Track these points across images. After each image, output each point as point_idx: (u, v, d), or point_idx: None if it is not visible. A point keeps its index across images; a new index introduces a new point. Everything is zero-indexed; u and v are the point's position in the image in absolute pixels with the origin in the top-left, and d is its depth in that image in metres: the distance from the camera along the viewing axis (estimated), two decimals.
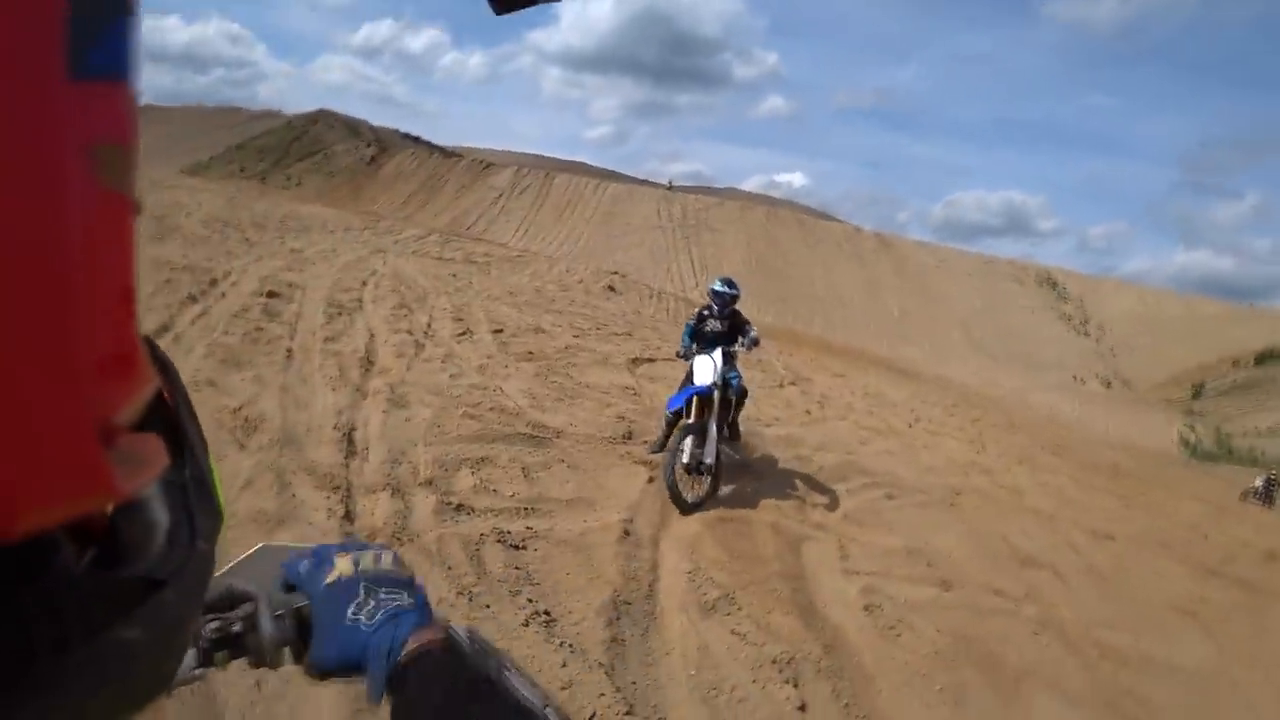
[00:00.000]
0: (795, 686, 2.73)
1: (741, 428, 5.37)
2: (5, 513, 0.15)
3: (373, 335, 6.55)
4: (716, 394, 4.61)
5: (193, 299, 6.29)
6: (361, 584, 0.57)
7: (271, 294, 7.14)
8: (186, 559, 0.23)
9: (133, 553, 0.21)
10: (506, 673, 0.51)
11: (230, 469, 3.40)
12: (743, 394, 5.07)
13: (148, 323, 5.34)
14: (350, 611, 0.56)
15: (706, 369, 4.71)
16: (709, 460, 4.41)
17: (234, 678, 2.04)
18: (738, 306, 5.32)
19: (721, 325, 5.22)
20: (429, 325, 7.56)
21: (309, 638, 0.57)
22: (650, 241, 49.61)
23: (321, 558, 0.60)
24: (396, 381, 5.20)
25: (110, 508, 0.21)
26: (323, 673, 0.55)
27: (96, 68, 0.17)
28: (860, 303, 49.45)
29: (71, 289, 0.16)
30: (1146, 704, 3.18)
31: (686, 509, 4.15)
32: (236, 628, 0.58)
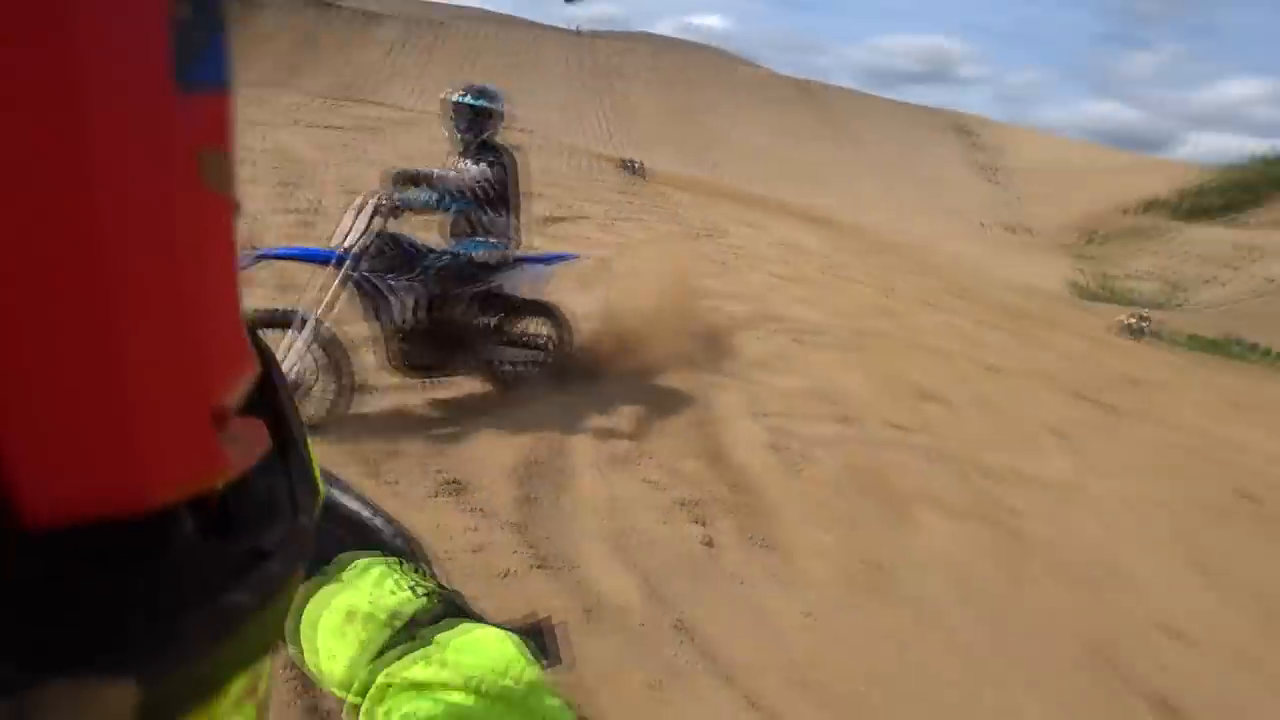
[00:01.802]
0: (703, 525, 2.88)
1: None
2: (142, 492, 0.18)
3: (255, 219, 6.03)
4: (346, 270, 3.01)
5: None
6: None
7: None
8: (289, 531, 0.24)
9: (240, 525, 0.23)
10: (334, 490, 0.52)
11: None
12: (455, 280, 3.28)
13: None
14: None
15: (347, 223, 3.10)
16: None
17: None
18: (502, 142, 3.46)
19: (468, 166, 3.36)
20: (319, 202, 7.03)
21: None
22: (559, 94, 46.76)
23: None
24: (283, 268, 4.83)
25: (221, 485, 0.22)
26: None
27: (199, 81, 0.18)
28: (778, 152, 48.85)
29: (186, 285, 0.18)
30: (1014, 512, 3.54)
31: None
32: None
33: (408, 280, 3.16)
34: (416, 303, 3.21)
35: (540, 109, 43.51)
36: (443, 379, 3.62)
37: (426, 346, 3.33)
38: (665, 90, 52.83)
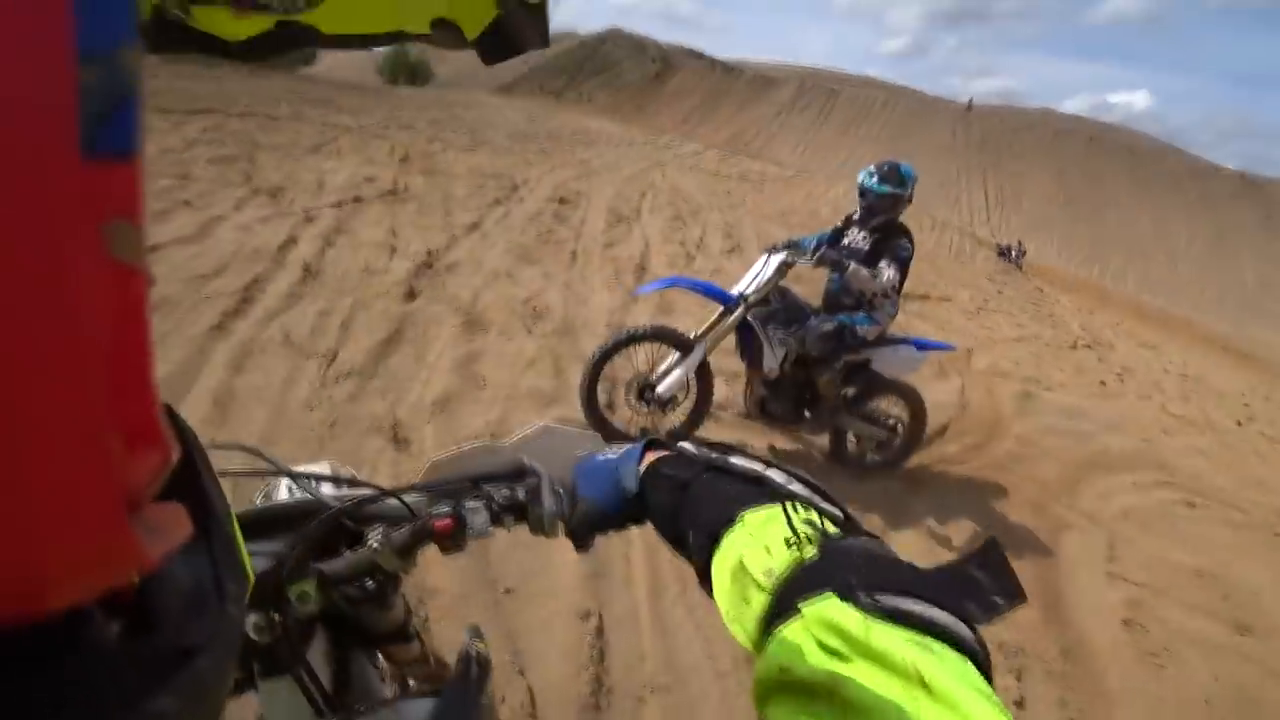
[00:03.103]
0: (1018, 679, 2.54)
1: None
2: (38, 590, 0.16)
3: (648, 244, 6.97)
4: (740, 313, 3.21)
5: (497, 202, 7.20)
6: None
7: (562, 201, 7.88)
8: (217, 625, 0.23)
9: (162, 620, 0.22)
10: (729, 457, 0.59)
11: (517, 349, 3.96)
12: (833, 346, 3.28)
13: (463, 220, 6.25)
14: (599, 456, 0.69)
15: (752, 272, 3.31)
16: (663, 390, 3.20)
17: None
18: (902, 218, 3.40)
19: (863, 240, 3.37)
20: (701, 239, 7.82)
21: (595, 529, 0.66)
22: (940, 167, 44.96)
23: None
24: (668, 291, 5.49)
25: (138, 577, 0.21)
26: (588, 519, 0.66)
27: (108, 147, 0.17)
28: (1199, 260, 40.17)
29: (91, 365, 0.17)
30: None
31: (606, 432, 2.86)
32: (522, 497, 0.68)
33: (785, 334, 3.29)
34: (787, 356, 3.33)
35: (919, 179, 42.41)
36: (787, 431, 3.81)
37: (784, 398, 3.47)
38: (1062, 175, 47.24)
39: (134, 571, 0.19)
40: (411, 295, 4.42)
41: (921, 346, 3.52)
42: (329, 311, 3.94)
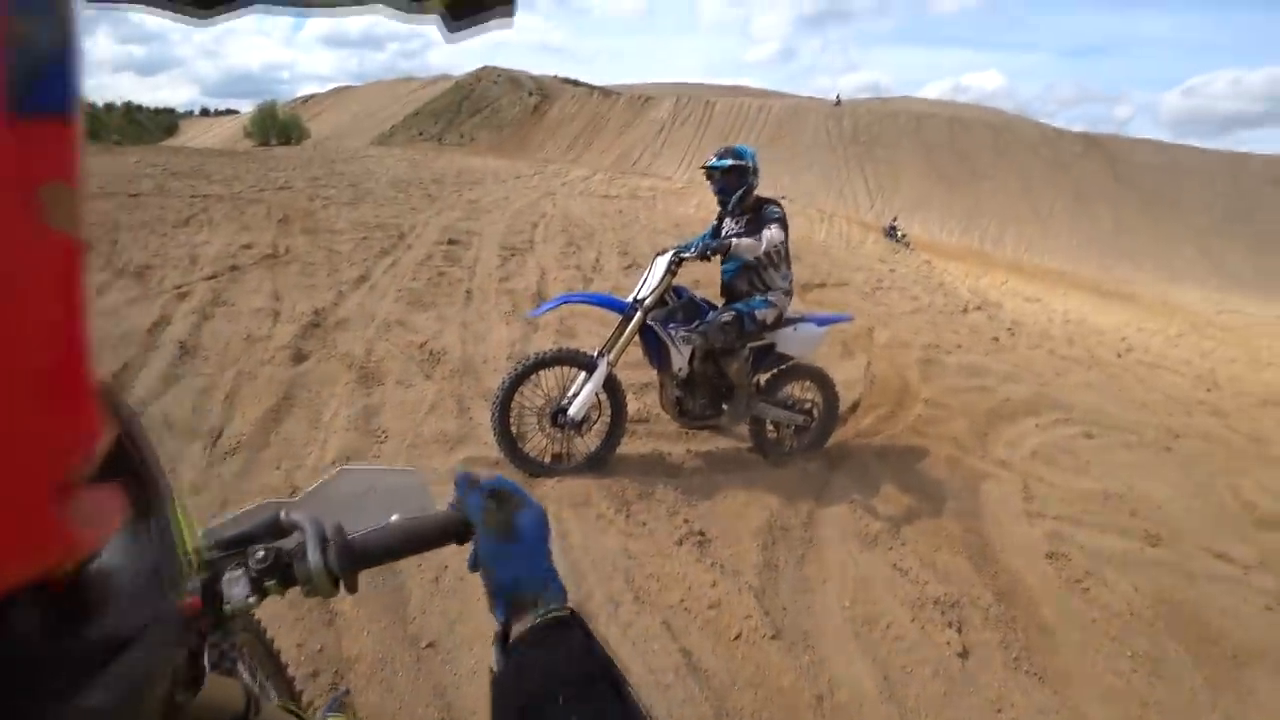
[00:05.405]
0: (959, 631, 2.58)
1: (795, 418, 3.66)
2: None
3: (544, 273, 6.89)
4: (639, 318, 3.22)
5: (384, 252, 6.98)
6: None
7: (451, 242, 7.73)
8: (153, 613, 0.22)
9: (96, 609, 0.20)
10: (623, 684, 0.51)
11: (416, 396, 3.79)
12: (735, 334, 3.33)
13: (350, 274, 6.00)
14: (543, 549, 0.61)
15: (644, 277, 3.38)
16: (574, 412, 3.13)
17: (415, 572, 2.32)
18: (767, 197, 3.53)
19: (738, 225, 3.50)
20: (597, 260, 7.81)
21: (357, 566, 0.59)
22: (820, 162, 47.12)
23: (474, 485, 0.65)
24: (565, 314, 5.43)
25: (70, 565, 0.20)
26: (483, 574, 0.60)
27: (40, 106, 0.16)
28: (1064, 216, 43.65)
29: (20, 341, 0.15)
30: None
31: (526, 467, 3.14)
32: (285, 559, 0.58)
33: (688, 330, 3.32)
34: (694, 353, 3.36)
35: (800, 176, 44.23)
36: (707, 429, 3.80)
37: (699, 396, 3.48)
38: (931, 156, 50.47)
39: (62, 560, 0.17)
40: (300, 357, 4.18)
41: (821, 322, 3.64)
42: (211, 388, 3.68)
